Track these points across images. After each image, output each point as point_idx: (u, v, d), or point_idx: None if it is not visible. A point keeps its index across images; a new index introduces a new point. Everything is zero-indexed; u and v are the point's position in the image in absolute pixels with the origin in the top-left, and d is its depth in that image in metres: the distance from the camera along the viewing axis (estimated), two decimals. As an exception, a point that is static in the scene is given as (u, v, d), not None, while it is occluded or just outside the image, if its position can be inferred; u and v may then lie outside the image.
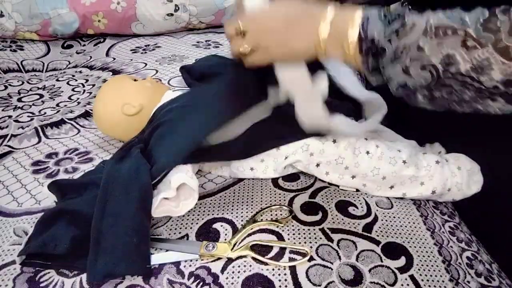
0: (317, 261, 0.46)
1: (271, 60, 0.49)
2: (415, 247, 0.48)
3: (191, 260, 0.46)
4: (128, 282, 0.44)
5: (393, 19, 0.38)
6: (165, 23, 1.25)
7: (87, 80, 0.99)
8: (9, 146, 0.71)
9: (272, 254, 0.47)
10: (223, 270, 0.45)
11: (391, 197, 0.56)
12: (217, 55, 0.89)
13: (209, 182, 0.60)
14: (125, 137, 0.66)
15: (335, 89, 0.56)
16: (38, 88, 0.97)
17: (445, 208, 0.58)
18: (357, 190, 0.57)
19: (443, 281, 0.44)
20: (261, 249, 0.47)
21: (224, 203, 0.55)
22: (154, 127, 0.57)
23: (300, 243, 0.48)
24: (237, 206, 0.54)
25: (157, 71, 0.99)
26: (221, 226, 0.51)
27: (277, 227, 0.50)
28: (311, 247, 0.47)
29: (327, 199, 0.55)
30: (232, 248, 0.47)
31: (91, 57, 1.15)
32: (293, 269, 0.45)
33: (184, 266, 0.46)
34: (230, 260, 0.46)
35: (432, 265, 0.46)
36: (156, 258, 0.46)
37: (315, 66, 0.51)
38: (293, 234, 0.50)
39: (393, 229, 0.51)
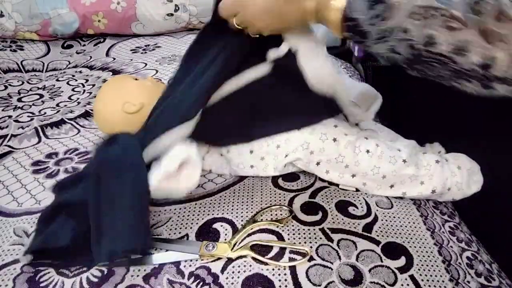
0: (317, 261, 0.46)
1: (266, 32, 0.51)
2: (415, 247, 0.48)
3: (191, 260, 0.46)
4: (128, 282, 0.44)
5: (376, 2, 0.38)
6: (165, 23, 1.25)
7: (87, 80, 1.00)
8: (9, 146, 0.71)
9: (272, 254, 0.47)
10: (223, 270, 0.45)
11: (391, 197, 0.56)
12: None
13: (209, 182, 0.60)
14: None
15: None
16: (38, 88, 0.97)
17: (445, 208, 0.58)
18: (357, 190, 0.57)
19: (443, 281, 0.44)
20: (261, 249, 0.47)
21: (224, 203, 0.55)
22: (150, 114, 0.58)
23: (300, 243, 0.48)
24: (237, 206, 0.54)
25: (157, 71, 0.99)
26: (221, 226, 0.51)
27: (277, 227, 0.50)
28: (311, 247, 0.47)
29: (327, 199, 0.55)
30: (232, 248, 0.47)
31: (91, 57, 1.15)
32: (293, 269, 0.45)
33: (184, 266, 0.46)
34: (230, 260, 0.46)
35: (432, 265, 0.46)
36: (156, 258, 0.46)
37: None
38: (293, 234, 0.50)
39: (393, 229, 0.50)
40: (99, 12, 1.20)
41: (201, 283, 0.44)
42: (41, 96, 0.92)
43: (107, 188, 0.47)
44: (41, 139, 0.73)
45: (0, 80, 1.02)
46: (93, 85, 0.96)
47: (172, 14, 1.23)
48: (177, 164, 0.48)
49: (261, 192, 0.57)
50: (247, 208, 0.54)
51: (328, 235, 0.49)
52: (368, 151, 0.54)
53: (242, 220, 0.52)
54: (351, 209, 0.54)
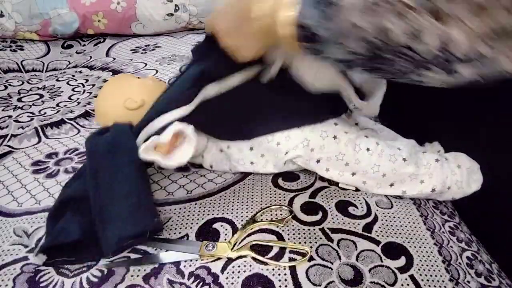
0: (317, 261, 0.46)
1: (247, 54, 0.49)
2: (415, 247, 0.48)
3: (191, 260, 0.46)
4: (128, 282, 0.44)
5: (326, 5, 0.36)
6: (165, 23, 1.25)
7: (87, 80, 0.99)
8: (9, 146, 0.71)
9: (272, 254, 0.47)
10: (223, 270, 0.45)
11: (391, 197, 0.56)
12: None
13: (209, 182, 0.60)
14: None
15: None
16: (38, 88, 0.97)
17: (445, 208, 0.58)
18: (357, 189, 0.57)
19: (443, 281, 0.44)
20: (261, 249, 0.47)
21: (224, 203, 0.55)
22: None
23: (300, 243, 0.48)
24: (237, 206, 0.55)
25: (157, 71, 0.99)
26: (221, 226, 0.51)
27: (277, 227, 0.50)
28: (311, 247, 0.47)
29: (327, 199, 0.55)
30: (232, 248, 0.47)
31: (91, 57, 1.15)
32: (293, 269, 0.45)
33: (184, 266, 0.46)
34: (230, 260, 0.46)
35: (432, 265, 0.46)
36: (159, 257, 0.46)
37: None
38: (293, 234, 0.50)
39: (393, 229, 0.51)
40: (99, 12, 1.20)
41: (201, 283, 0.44)
42: (41, 96, 0.92)
43: (104, 176, 0.48)
44: (41, 139, 0.73)
45: (0, 80, 1.02)
46: (93, 85, 0.96)
47: (172, 14, 1.23)
48: (170, 136, 0.48)
49: (261, 192, 0.57)
50: (247, 208, 0.54)
51: (328, 235, 0.49)
52: (368, 149, 0.54)
53: (242, 220, 0.52)
54: (351, 209, 0.54)
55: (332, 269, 0.45)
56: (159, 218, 0.47)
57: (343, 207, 0.54)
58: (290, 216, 0.51)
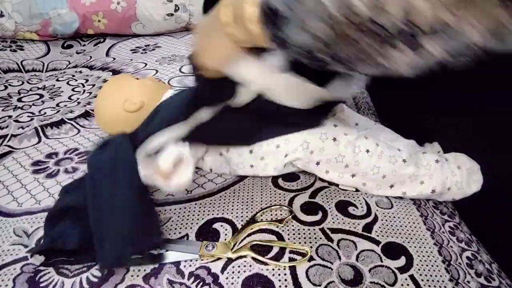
0: (317, 261, 0.46)
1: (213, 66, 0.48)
2: (415, 247, 0.48)
3: (191, 260, 0.46)
4: (128, 282, 0.44)
5: None
6: (165, 23, 1.25)
7: (87, 80, 1.00)
8: (9, 146, 0.71)
9: (272, 254, 0.47)
10: (223, 270, 0.45)
11: (391, 197, 0.56)
12: None
13: (209, 182, 0.60)
14: None
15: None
16: (38, 88, 0.97)
17: (445, 208, 0.58)
18: (357, 190, 0.57)
19: (443, 281, 0.44)
20: (261, 249, 0.47)
21: (224, 203, 0.55)
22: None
23: (300, 243, 0.48)
24: (237, 206, 0.55)
25: (157, 71, 0.99)
26: (221, 226, 0.51)
27: (277, 227, 0.50)
28: (311, 247, 0.47)
29: (327, 199, 0.55)
30: (232, 248, 0.47)
31: (91, 57, 1.15)
32: (293, 269, 0.45)
33: (184, 266, 0.46)
34: (230, 260, 0.46)
35: (432, 265, 0.46)
36: (163, 257, 0.46)
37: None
38: (293, 234, 0.50)
39: (393, 229, 0.50)
40: (99, 12, 1.20)
41: (201, 283, 0.44)
42: (41, 96, 0.92)
43: (104, 193, 0.47)
44: (41, 139, 0.73)
45: (0, 80, 1.02)
46: (93, 85, 0.96)
47: (172, 14, 1.23)
48: (169, 163, 0.48)
49: (261, 192, 0.57)
50: (247, 208, 0.54)
51: (328, 235, 0.49)
52: (368, 151, 0.54)
53: (242, 220, 0.52)
54: (351, 209, 0.54)
55: (332, 269, 0.45)
56: (160, 236, 0.47)
57: (343, 207, 0.54)
58: (290, 216, 0.51)
